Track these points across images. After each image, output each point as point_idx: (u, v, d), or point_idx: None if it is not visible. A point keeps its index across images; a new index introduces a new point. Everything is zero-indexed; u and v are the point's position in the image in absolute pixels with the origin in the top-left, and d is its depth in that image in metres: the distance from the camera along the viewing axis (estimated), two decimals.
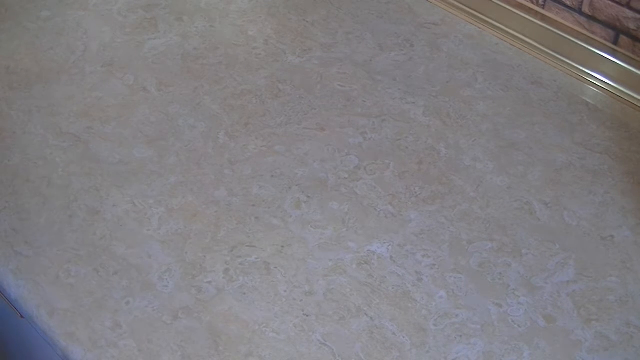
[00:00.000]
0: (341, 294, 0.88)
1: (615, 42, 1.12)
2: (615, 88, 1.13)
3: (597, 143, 1.06)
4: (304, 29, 1.23)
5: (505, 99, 1.13)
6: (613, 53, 1.12)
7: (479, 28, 1.25)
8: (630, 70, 1.11)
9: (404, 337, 0.84)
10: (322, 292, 0.88)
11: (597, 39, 1.14)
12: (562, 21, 1.16)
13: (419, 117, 1.09)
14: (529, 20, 1.19)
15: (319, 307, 0.86)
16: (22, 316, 0.90)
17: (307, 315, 0.85)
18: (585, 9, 1.13)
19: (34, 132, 1.05)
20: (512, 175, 1.02)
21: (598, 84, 1.15)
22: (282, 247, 0.92)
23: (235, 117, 1.08)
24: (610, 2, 1.10)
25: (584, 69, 1.16)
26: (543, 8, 1.18)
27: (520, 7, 1.20)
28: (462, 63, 1.18)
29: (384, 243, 0.93)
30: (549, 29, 1.18)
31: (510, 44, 1.22)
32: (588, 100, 1.13)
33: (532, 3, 1.19)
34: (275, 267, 0.90)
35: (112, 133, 1.05)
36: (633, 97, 1.12)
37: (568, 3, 1.15)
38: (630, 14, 1.08)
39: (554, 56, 1.18)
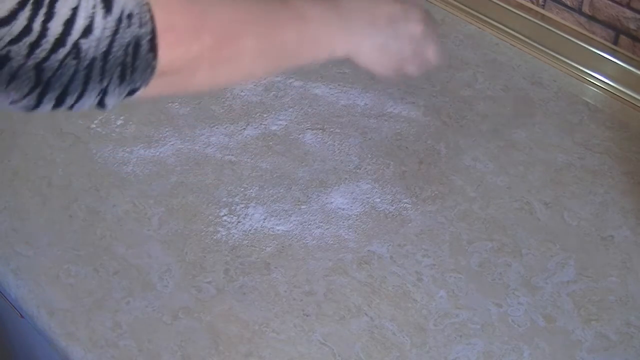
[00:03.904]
0: (341, 294, 0.88)
1: (615, 42, 1.12)
2: (615, 88, 1.13)
3: (597, 143, 1.06)
4: None
5: (505, 99, 1.13)
6: (613, 53, 1.12)
7: (479, 28, 1.25)
8: (630, 70, 1.11)
9: (404, 337, 0.84)
10: (322, 292, 0.88)
11: (597, 39, 1.14)
12: (562, 21, 1.16)
13: (419, 117, 1.09)
14: (529, 20, 1.19)
15: (319, 307, 0.86)
16: (22, 316, 0.90)
17: (307, 315, 0.85)
18: (585, 9, 1.13)
19: (34, 132, 1.05)
20: (512, 175, 1.02)
21: (598, 84, 1.15)
22: (282, 247, 0.92)
23: (235, 117, 1.08)
24: (610, 2, 1.10)
25: (584, 69, 1.16)
26: (543, 8, 1.18)
27: (520, 7, 1.20)
28: (462, 63, 1.18)
29: (384, 243, 0.93)
30: (549, 29, 1.18)
31: (510, 44, 1.22)
32: (588, 100, 1.13)
33: (532, 3, 1.19)
34: (275, 267, 0.90)
35: (112, 133, 1.05)
36: (633, 97, 1.12)
37: (568, 3, 1.15)
38: (630, 14, 1.08)
39: (554, 56, 1.18)
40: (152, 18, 0.57)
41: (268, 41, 0.68)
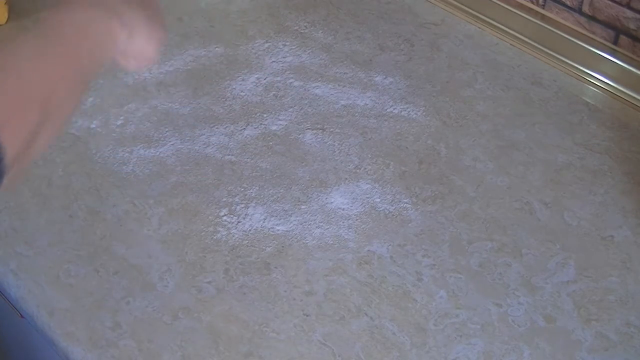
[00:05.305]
0: (341, 294, 0.88)
1: (615, 42, 1.12)
2: (615, 88, 1.13)
3: (597, 143, 1.06)
4: (304, 29, 1.23)
5: (505, 99, 1.13)
6: (613, 53, 1.12)
7: (479, 28, 1.25)
8: (630, 70, 1.11)
9: (404, 337, 0.84)
10: (322, 292, 0.88)
11: (597, 39, 1.14)
12: (562, 21, 1.16)
13: (419, 117, 1.09)
14: (529, 20, 1.19)
15: (319, 307, 0.86)
16: (22, 316, 0.90)
17: (307, 315, 0.85)
18: (585, 9, 1.13)
19: None
20: (512, 175, 1.02)
21: (598, 84, 1.15)
22: (282, 247, 0.92)
23: (235, 117, 1.08)
24: (610, 2, 1.10)
25: (584, 69, 1.16)
26: (543, 8, 1.18)
27: (520, 7, 1.20)
28: (462, 63, 1.18)
29: (384, 243, 0.93)
30: (549, 29, 1.18)
31: (510, 44, 1.22)
32: (588, 100, 1.13)
33: (532, 3, 1.19)
34: (275, 267, 0.90)
35: (112, 133, 1.05)
36: (633, 97, 1.12)
37: (568, 3, 1.15)
38: (630, 14, 1.08)
39: (554, 56, 1.18)
40: None
41: (75, 67, 0.64)
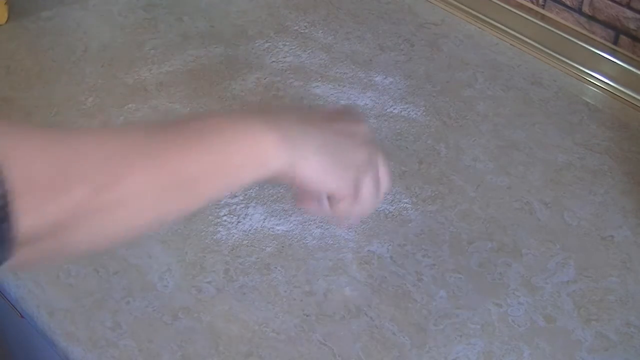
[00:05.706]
0: (341, 294, 0.87)
1: (615, 42, 1.12)
2: (615, 88, 1.13)
3: (597, 143, 1.06)
4: (304, 29, 1.23)
5: (505, 99, 1.13)
6: (613, 53, 1.12)
7: (479, 28, 1.25)
8: (630, 70, 1.11)
9: (404, 337, 0.84)
10: (322, 292, 0.88)
11: (597, 39, 1.14)
12: (562, 21, 1.16)
13: (419, 117, 1.09)
14: (529, 20, 1.19)
15: (319, 307, 0.86)
16: (22, 316, 0.90)
17: (307, 315, 0.85)
18: (585, 9, 1.13)
19: None
20: (512, 175, 1.02)
21: (598, 84, 1.15)
22: (282, 247, 0.92)
23: None
24: (610, 2, 1.10)
25: (584, 69, 1.16)
26: (543, 8, 1.18)
27: (520, 7, 1.20)
28: (462, 63, 1.18)
29: (384, 243, 0.93)
30: (549, 29, 1.18)
31: (510, 44, 1.22)
32: (588, 100, 1.13)
33: (532, 3, 1.19)
34: (275, 267, 0.90)
35: None
36: (633, 97, 1.12)
37: (568, 3, 1.15)
38: (630, 14, 1.08)
39: (554, 56, 1.18)
40: (4, 179, 0.46)
41: (166, 173, 0.56)
